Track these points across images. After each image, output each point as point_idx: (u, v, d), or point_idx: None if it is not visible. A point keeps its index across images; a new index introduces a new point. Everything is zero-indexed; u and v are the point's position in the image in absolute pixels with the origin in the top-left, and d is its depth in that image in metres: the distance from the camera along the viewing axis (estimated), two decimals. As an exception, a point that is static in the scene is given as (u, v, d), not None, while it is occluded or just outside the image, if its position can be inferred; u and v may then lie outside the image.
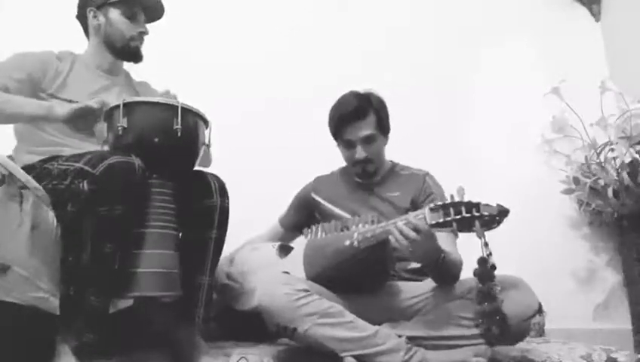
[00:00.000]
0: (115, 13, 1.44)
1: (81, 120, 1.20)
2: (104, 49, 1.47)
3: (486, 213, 1.02)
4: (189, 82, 1.91)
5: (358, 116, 1.42)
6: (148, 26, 1.51)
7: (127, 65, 1.57)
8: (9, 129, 1.39)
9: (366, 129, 1.42)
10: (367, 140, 1.43)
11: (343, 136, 1.45)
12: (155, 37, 1.54)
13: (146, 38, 1.51)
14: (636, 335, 2.04)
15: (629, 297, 2.11)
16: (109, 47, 1.46)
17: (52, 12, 1.95)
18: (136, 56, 1.49)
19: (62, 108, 1.21)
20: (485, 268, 1.02)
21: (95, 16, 1.45)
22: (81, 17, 1.50)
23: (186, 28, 2.12)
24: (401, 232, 1.11)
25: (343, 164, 1.63)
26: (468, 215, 1.03)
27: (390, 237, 1.14)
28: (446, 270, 1.24)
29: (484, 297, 1.04)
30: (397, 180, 1.52)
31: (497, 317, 1.02)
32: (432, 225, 1.07)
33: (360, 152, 1.43)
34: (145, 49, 1.52)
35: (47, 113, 1.22)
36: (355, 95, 1.46)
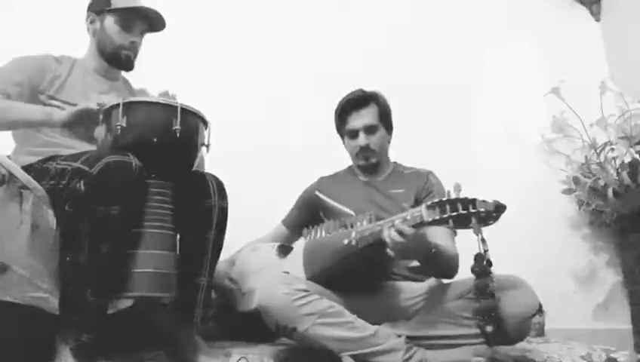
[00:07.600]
0: (109, 21, 1.43)
1: (81, 125, 1.20)
2: (97, 54, 1.47)
3: (482, 209, 1.02)
4: (189, 80, 1.91)
5: (360, 104, 1.50)
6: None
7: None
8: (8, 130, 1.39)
9: (368, 118, 1.49)
10: (370, 130, 1.49)
11: (346, 126, 1.51)
12: (156, 34, 1.54)
13: (146, 35, 1.51)
14: (636, 335, 2.04)
15: (629, 297, 2.11)
16: (100, 53, 1.46)
17: (52, 17, 1.96)
18: (125, 65, 1.48)
19: (61, 113, 1.21)
20: (481, 264, 1.02)
21: (92, 22, 1.46)
22: None
23: (187, 25, 2.12)
24: (391, 238, 1.10)
25: (345, 164, 1.64)
26: (464, 211, 1.02)
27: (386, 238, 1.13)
28: (437, 263, 1.25)
29: (480, 293, 1.04)
30: (401, 178, 1.54)
31: (493, 314, 1.02)
32: (429, 222, 1.07)
33: (362, 139, 1.48)
34: (145, 46, 1.51)
35: (47, 119, 1.22)
36: (359, 89, 1.53)
